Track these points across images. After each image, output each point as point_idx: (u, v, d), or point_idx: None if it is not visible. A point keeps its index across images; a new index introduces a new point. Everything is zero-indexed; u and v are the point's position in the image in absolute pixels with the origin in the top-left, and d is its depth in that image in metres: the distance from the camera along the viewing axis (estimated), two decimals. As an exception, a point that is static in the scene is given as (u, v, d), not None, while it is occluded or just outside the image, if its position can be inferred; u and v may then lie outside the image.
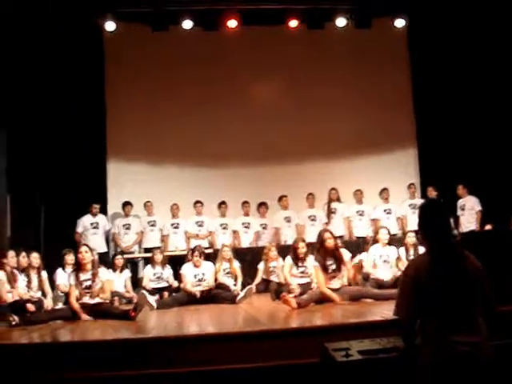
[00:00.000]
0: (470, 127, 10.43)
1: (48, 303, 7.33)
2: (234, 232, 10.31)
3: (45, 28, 9.51)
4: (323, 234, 7.12)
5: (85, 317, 6.51)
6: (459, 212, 10.14)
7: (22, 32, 9.18)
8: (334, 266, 7.00)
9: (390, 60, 11.52)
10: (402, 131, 11.62)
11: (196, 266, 8.14)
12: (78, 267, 6.90)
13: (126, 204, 10.12)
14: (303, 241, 7.98)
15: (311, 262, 7.36)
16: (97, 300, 6.76)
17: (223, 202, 10.32)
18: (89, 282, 6.81)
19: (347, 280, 7.08)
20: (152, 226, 10.13)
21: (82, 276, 6.83)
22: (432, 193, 10.15)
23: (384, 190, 10.46)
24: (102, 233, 9.89)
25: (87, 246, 7.17)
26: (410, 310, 2.90)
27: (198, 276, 8.07)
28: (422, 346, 2.85)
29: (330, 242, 6.99)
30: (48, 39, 9.65)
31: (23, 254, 7.47)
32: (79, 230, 9.76)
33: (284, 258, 8.47)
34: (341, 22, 10.51)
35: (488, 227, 9.34)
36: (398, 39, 11.39)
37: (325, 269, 6.95)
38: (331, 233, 7.23)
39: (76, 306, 6.64)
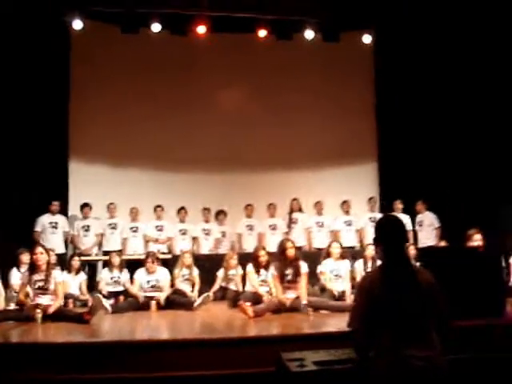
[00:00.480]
0: (430, 143, 10.64)
1: (0, 303, 7.18)
2: (194, 238, 10.25)
3: (9, 22, 9.34)
4: (285, 243, 7.16)
5: (35, 314, 6.33)
6: (417, 227, 10.32)
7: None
8: (290, 277, 7.03)
9: (356, 73, 11.67)
10: (364, 144, 11.76)
11: (150, 272, 8.07)
12: (32, 267, 6.77)
13: (85, 205, 9.96)
14: (264, 249, 8.02)
15: (272, 271, 7.40)
16: (50, 301, 6.63)
17: (182, 208, 10.25)
18: (41, 283, 6.69)
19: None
20: (113, 228, 10.00)
21: (36, 276, 6.72)
22: (398, 206, 10.27)
23: (345, 202, 10.55)
24: (61, 233, 9.71)
25: (43, 246, 7.03)
26: (364, 323, 2.92)
27: (151, 282, 8.01)
28: (375, 358, 2.87)
29: (290, 252, 7.03)
30: (12, 35, 9.48)
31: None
32: (38, 228, 9.55)
33: (243, 266, 8.48)
34: (309, 34, 10.59)
35: (442, 243, 9.52)
36: (365, 53, 11.53)
37: (282, 278, 6.97)
38: (293, 242, 7.27)
39: (25, 301, 6.55)
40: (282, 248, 7.10)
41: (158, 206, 10.19)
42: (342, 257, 8.09)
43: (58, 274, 6.92)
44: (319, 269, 8.33)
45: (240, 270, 8.74)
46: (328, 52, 11.25)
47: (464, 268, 5.11)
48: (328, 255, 8.17)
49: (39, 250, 6.82)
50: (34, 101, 9.88)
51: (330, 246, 8.32)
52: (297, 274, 7.07)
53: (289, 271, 7.05)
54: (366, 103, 11.72)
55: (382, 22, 10.66)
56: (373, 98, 11.75)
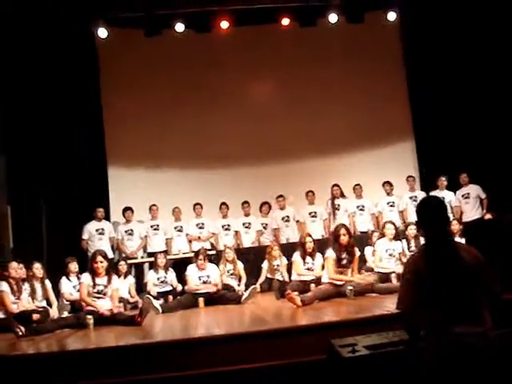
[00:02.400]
0: (465, 117, 10.42)
1: (54, 312, 7.37)
2: (236, 233, 10.31)
3: (39, 36, 9.53)
4: (339, 230, 7.13)
5: (98, 306, 6.56)
6: (462, 201, 10.13)
7: (17, 41, 9.20)
8: (345, 261, 7.04)
9: (384, 53, 11.51)
10: (398, 124, 11.61)
11: (201, 268, 8.14)
12: (93, 273, 6.90)
13: (126, 209, 10.08)
14: (310, 236, 8.05)
15: (320, 258, 7.40)
16: (105, 305, 6.76)
17: (224, 203, 10.30)
18: (101, 287, 6.85)
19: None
20: (155, 230, 10.12)
21: (97, 280, 6.86)
22: (443, 182, 10.16)
23: (386, 183, 10.47)
24: (108, 239, 9.87)
25: (102, 255, 7.06)
26: (412, 303, 2.91)
27: (202, 278, 8.07)
28: (426, 338, 2.86)
29: (343, 239, 7.01)
30: (42, 47, 9.67)
31: (21, 265, 7.44)
32: (85, 236, 9.74)
33: (287, 257, 8.51)
34: (333, 17, 10.50)
35: (488, 216, 9.34)
36: (391, 32, 11.38)
37: (338, 261, 6.98)
38: (347, 229, 7.23)
39: (88, 299, 6.69)
40: (336, 235, 7.09)
41: (197, 204, 10.25)
42: (396, 237, 8.04)
43: (115, 280, 7.09)
44: (369, 250, 8.35)
45: (285, 260, 8.76)
46: (353, 34, 11.11)
47: (509, 240, 5.01)
48: (382, 235, 8.14)
49: (99, 258, 6.92)
50: (69, 112, 10.07)
51: (383, 226, 8.27)
52: (352, 258, 7.09)
53: (344, 256, 7.05)
54: (397, 82, 11.56)
55: (405, -1, 10.49)
56: (403, 76, 11.58)
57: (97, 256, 6.97)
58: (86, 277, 6.89)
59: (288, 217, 10.40)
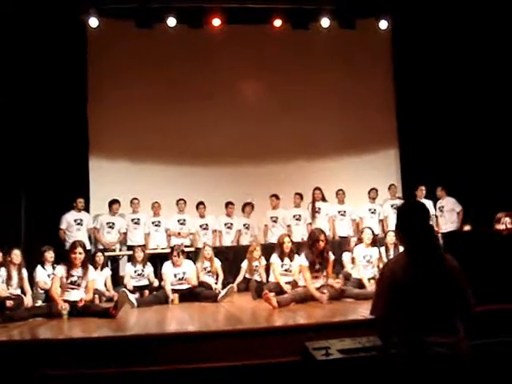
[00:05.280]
0: (450, 129, 10.54)
1: (28, 301, 7.30)
2: (216, 231, 10.29)
3: (27, 22, 9.44)
4: (318, 235, 7.12)
5: (61, 304, 6.42)
6: (438, 213, 10.32)
7: (4, 27, 9.10)
8: (318, 266, 7.05)
9: (374, 60, 11.63)
10: (384, 132, 11.72)
11: (176, 265, 8.11)
12: (70, 263, 6.85)
13: (114, 202, 10.03)
14: (289, 236, 8.08)
15: (298, 261, 7.40)
16: (79, 296, 6.71)
17: (201, 203, 10.25)
18: (75, 278, 6.79)
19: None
20: (136, 223, 10.08)
21: (72, 271, 6.81)
22: (421, 192, 10.26)
23: (372, 190, 10.58)
24: (86, 230, 9.81)
25: (82, 246, 7.02)
26: (386, 310, 2.90)
27: (178, 275, 8.04)
28: (398, 346, 2.86)
29: (321, 244, 7.02)
30: (30, 34, 9.58)
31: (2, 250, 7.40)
32: (63, 226, 9.67)
33: (266, 258, 8.51)
34: (325, 22, 10.56)
35: (467, 228, 9.44)
36: (382, 40, 11.49)
37: (312, 267, 6.99)
38: (324, 234, 7.24)
39: (56, 296, 6.59)
40: (315, 239, 7.09)
41: (181, 200, 10.22)
42: (373, 243, 8.08)
43: (91, 271, 7.03)
44: (347, 256, 8.38)
45: (264, 261, 8.76)
46: (345, 40, 11.21)
47: (487, 252, 5.05)
48: (360, 241, 8.18)
49: (78, 249, 6.87)
50: (53, 100, 10.00)
51: (362, 232, 8.31)
52: (326, 263, 7.10)
53: (318, 260, 7.07)
54: (385, 90, 11.68)
55: (398, 8, 10.57)
56: (391, 84, 11.71)
57: (76, 247, 6.92)
58: (60, 269, 6.84)
59: (277, 218, 10.40)
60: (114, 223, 9.98)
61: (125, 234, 10.06)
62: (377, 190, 10.57)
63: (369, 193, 10.58)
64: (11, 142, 9.50)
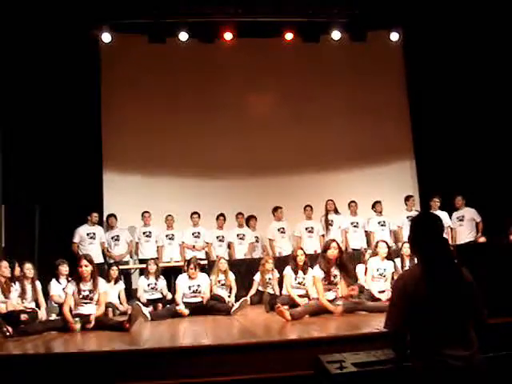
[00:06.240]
0: (466, 138, 10.47)
1: (42, 314, 7.32)
2: (229, 244, 10.30)
3: (41, 38, 9.53)
4: (329, 244, 7.13)
5: (74, 327, 6.45)
6: (456, 223, 10.20)
7: (19, 42, 9.21)
8: (332, 278, 7.03)
9: (386, 72, 11.62)
10: (398, 143, 11.68)
11: (191, 277, 8.11)
12: (79, 278, 6.87)
13: (110, 216, 10.13)
14: (302, 249, 8.06)
15: (311, 273, 7.38)
16: (92, 310, 6.73)
17: (222, 214, 10.31)
18: (86, 293, 6.81)
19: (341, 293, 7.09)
20: (147, 236, 10.10)
21: (82, 286, 6.83)
22: (436, 203, 10.14)
23: (377, 203, 10.46)
24: (99, 243, 9.84)
25: (87, 259, 7.02)
26: (399, 323, 2.87)
27: (192, 287, 8.04)
28: (413, 359, 2.84)
29: (332, 253, 6.99)
30: (44, 49, 9.67)
31: (16, 264, 7.43)
32: (76, 240, 9.70)
33: (278, 271, 8.49)
34: (336, 34, 10.55)
35: (482, 239, 9.37)
36: (394, 51, 11.47)
37: (326, 276, 6.97)
38: (338, 244, 7.22)
39: (68, 315, 6.60)
40: (326, 247, 7.11)
41: (195, 213, 10.24)
42: (388, 257, 8.04)
43: (102, 284, 7.04)
44: (361, 268, 8.34)
45: (276, 274, 8.74)
46: (356, 52, 11.21)
47: (500, 264, 5.02)
48: (375, 254, 8.15)
49: (84, 262, 6.89)
50: (67, 114, 10.05)
51: (376, 245, 8.26)
52: (344, 271, 7.08)
53: (333, 272, 7.05)
54: (398, 102, 11.65)
55: (409, 20, 10.56)
56: (404, 95, 11.69)
57: (82, 260, 6.94)
58: (70, 287, 6.87)
59: (284, 229, 10.39)
60: (118, 236, 10.02)
61: (133, 243, 10.10)
62: (380, 203, 10.44)
63: (373, 207, 10.48)
64: (26, 155, 9.58)
